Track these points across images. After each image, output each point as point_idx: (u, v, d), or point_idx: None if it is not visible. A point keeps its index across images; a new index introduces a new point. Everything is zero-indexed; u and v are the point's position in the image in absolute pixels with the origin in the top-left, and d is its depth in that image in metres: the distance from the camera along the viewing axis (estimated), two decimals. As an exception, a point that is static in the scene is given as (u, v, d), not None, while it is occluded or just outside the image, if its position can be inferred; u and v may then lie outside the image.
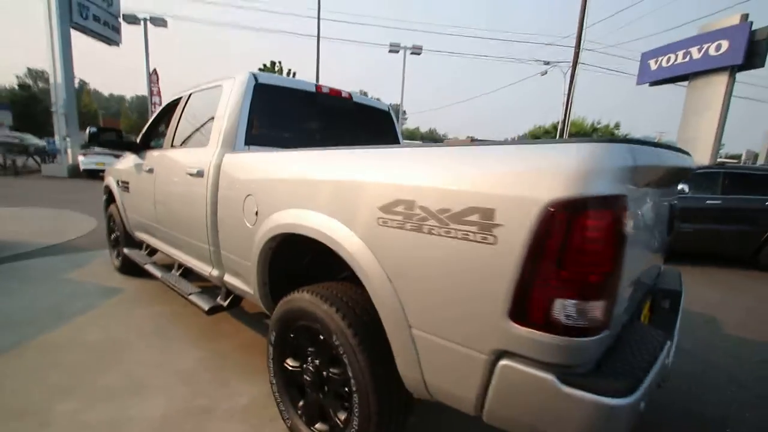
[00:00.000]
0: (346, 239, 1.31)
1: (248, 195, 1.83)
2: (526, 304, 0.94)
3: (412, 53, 20.00)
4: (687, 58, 14.52)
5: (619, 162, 0.90)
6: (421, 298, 1.14)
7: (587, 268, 0.89)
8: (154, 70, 20.27)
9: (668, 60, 15.35)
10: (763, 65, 12.98)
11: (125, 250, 3.52)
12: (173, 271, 2.86)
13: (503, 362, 0.99)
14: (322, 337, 1.52)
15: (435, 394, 1.21)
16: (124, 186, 3.39)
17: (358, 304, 1.45)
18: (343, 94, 2.75)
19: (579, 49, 19.93)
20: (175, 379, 2.14)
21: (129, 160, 3.40)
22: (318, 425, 1.61)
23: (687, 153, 1.62)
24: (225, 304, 2.29)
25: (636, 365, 1.03)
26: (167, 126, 2.93)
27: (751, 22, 12.72)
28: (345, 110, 2.81)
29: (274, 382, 1.77)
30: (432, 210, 1.08)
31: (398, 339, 1.21)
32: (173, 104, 3.12)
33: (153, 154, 2.98)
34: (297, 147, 2.18)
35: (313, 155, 1.56)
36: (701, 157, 12.87)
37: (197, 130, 2.56)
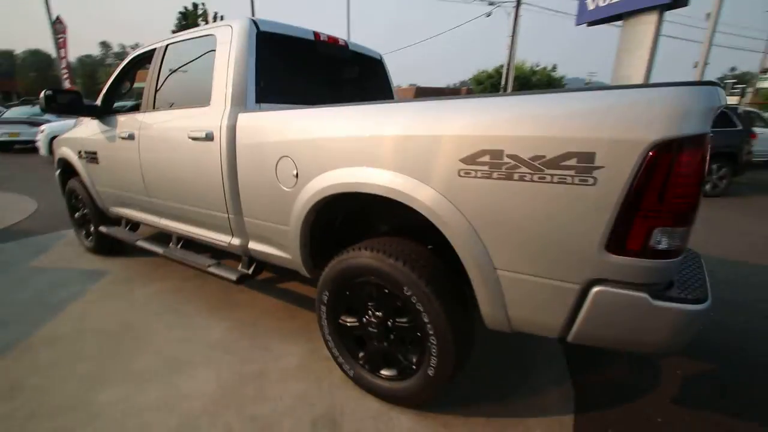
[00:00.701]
0: (421, 193, 1.33)
1: (282, 156, 1.74)
2: (625, 236, 1.05)
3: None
4: (621, -4, 15.14)
5: (708, 103, 0.99)
6: (509, 241, 1.22)
7: (681, 199, 1.01)
8: (58, 17, 17.05)
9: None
10: (687, 4, 13.92)
11: (102, 229, 3.22)
12: (172, 245, 2.70)
13: (597, 288, 1.12)
14: (386, 291, 1.57)
15: (517, 326, 1.33)
16: (91, 157, 3.01)
17: (421, 255, 1.51)
18: (340, 42, 2.59)
19: (520, -12, 19.89)
20: (214, 351, 2.11)
21: (91, 126, 3.00)
22: (384, 371, 1.71)
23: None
24: (250, 272, 2.24)
25: (695, 279, 1.21)
26: (144, 85, 2.60)
27: None
28: (342, 59, 2.66)
29: (329, 338, 1.82)
30: (523, 158, 1.13)
31: (483, 281, 1.30)
32: (141, 59, 2.76)
33: (130, 118, 2.65)
34: (303, 102, 2.07)
35: (372, 111, 1.50)
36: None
37: (189, 87, 2.31)
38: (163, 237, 2.90)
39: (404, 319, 1.57)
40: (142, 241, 2.85)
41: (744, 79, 42.69)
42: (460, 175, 1.25)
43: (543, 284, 1.21)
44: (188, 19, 25.94)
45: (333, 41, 2.53)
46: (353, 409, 1.70)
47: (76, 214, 3.63)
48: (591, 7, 18.33)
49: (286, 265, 2.04)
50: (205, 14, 26.63)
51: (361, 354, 1.77)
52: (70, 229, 4.17)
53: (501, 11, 21.99)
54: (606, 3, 17.55)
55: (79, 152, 3.15)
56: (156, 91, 2.47)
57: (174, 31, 26.98)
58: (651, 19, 14.75)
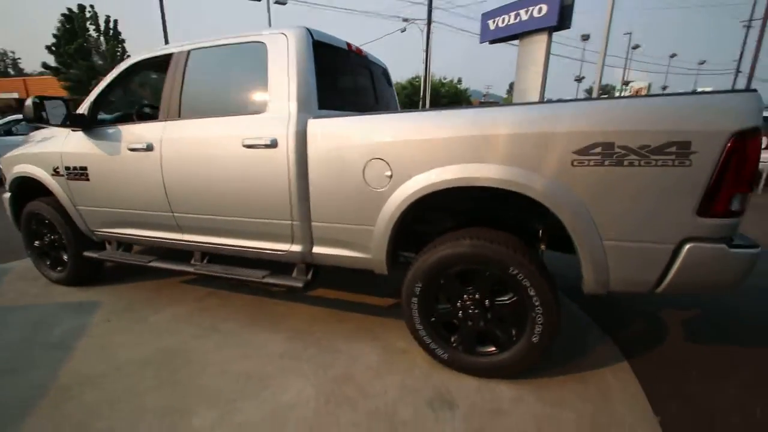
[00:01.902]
0: (536, 182, 1.56)
1: (373, 159, 1.82)
2: (713, 203, 1.40)
3: (275, 2, 18.26)
4: (518, 19, 17.19)
5: (761, 104, 1.39)
6: (617, 215, 1.51)
7: (750, 171, 1.39)
8: None
9: (503, 20, 17.91)
10: (570, 27, 16.46)
11: (91, 254, 2.83)
12: (195, 261, 2.53)
13: (689, 245, 1.46)
14: (487, 274, 1.76)
15: (615, 287, 1.62)
16: (77, 174, 2.65)
17: (513, 240, 1.74)
18: (363, 52, 2.71)
19: (431, 7, 21.54)
20: (286, 361, 2.06)
21: (73, 139, 2.64)
22: (480, 349, 1.89)
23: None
24: (309, 277, 2.23)
25: (742, 235, 1.63)
26: (159, 93, 2.40)
27: None
28: (363, 67, 2.78)
29: (420, 327, 1.94)
30: (633, 147, 1.43)
31: (590, 252, 1.57)
32: (145, 65, 2.55)
33: (143, 128, 2.42)
34: (342, 108, 2.19)
35: (483, 113, 1.67)
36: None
37: (231, 95, 2.23)
38: (168, 256, 2.69)
39: (506, 297, 1.77)
40: (158, 262, 2.60)
41: (606, 90, 51.54)
42: (573, 165, 1.51)
43: (643, 248, 1.51)
44: (74, 23, 22.78)
45: (359, 51, 2.64)
46: (457, 386, 1.84)
47: (37, 242, 3.11)
48: (492, 27, 20.56)
49: (357, 265, 2.10)
50: (95, 18, 23.65)
51: (454, 338, 1.92)
52: (15, 261, 3.56)
53: (414, 27, 23.51)
54: (504, 24, 19.82)
55: (55, 169, 2.74)
56: (180, 98, 2.32)
57: (56, 36, 23.34)
58: (542, 38, 16.99)
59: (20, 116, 7.96)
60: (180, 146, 2.28)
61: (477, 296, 1.82)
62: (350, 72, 2.59)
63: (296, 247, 2.16)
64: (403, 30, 23.21)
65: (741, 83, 30.09)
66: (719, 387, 1.85)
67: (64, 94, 24.40)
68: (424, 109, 1.78)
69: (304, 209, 2.05)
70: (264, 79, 2.09)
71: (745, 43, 27.72)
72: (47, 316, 2.62)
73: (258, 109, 2.09)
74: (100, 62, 24.26)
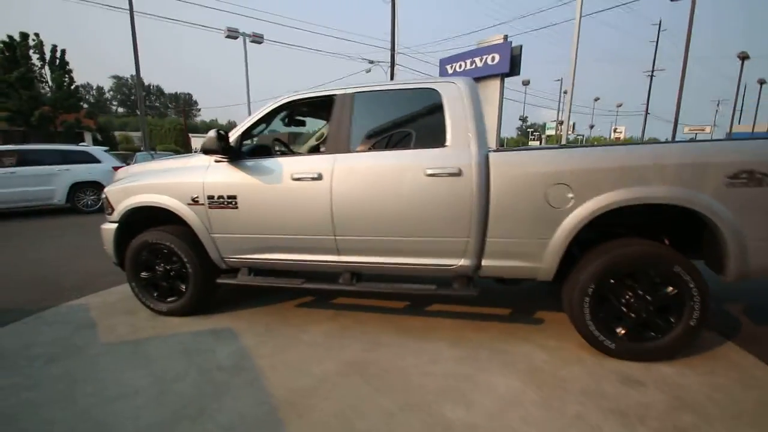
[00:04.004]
0: (699, 198, 2.09)
1: (556, 184, 2.26)
2: None
3: (252, 41, 18.62)
4: (473, 66, 19.10)
5: None
6: (758, 220, 2.08)
7: None
8: None
9: (461, 66, 19.78)
10: (519, 73, 18.67)
11: (225, 280, 2.90)
12: (343, 280, 2.74)
13: None
14: (651, 272, 2.23)
15: (753, 274, 2.16)
16: (223, 202, 2.76)
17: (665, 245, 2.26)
18: None
19: (394, 52, 23.21)
20: (472, 362, 2.32)
21: (220, 169, 2.79)
22: (642, 336, 2.31)
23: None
24: (473, 289, 2.55)
25: None
26: (326, 130, 2.67)
27: (511, 42, 17.81)
28: None
29: (590, 323, 2.33)
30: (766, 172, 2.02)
31: (738, 248, 2.11)
32: (297, 105, 2.85)
33: (308, 160, 2.69)
34: None
35: (655, 148, 2.22)
36: (491, 141, 17.69)
37: (405, 131, 2.58)
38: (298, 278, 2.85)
39: (667, 290, 2.24)
40: (310, 283, 2.75)
41: (536, 129, 58.26)
42: (726, 186, 2.07)
43: (776, 244, 2.09)
44: (16, 52, 21.18)
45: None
46: (629, 369, 2.23)
47: (144, 273, 3.07)
48: (450, 71, 22.43)
49: (522, 274, 2.47)
50: (40, 46, 22.21)
51: (618, 329, 2.33)
52: (82, 298, 3.44)
53: (378, 69, 25.02)
54: (462, 69, 21.71)
55: (194, 198, 2.83)
56: (350, 134, 2.62)
57: (-6, 62, 21.30)
58: (496, 83, 18.86)
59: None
60: (353, 176, 2.56)
61: (640, 292, 2.28)
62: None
63: (466, 261, 2.49)
64: (368, 71, 24.55)
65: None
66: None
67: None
68: (599, 144, 2.42)
69: (481, 227, 2.40)
70: (440, 118, 2.48)
71: (650, 88, 33.52)
72: (193, 344, 2.61)
73: (437, 144, 2.46)
74: (45, 91, 22.62)
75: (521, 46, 16.22)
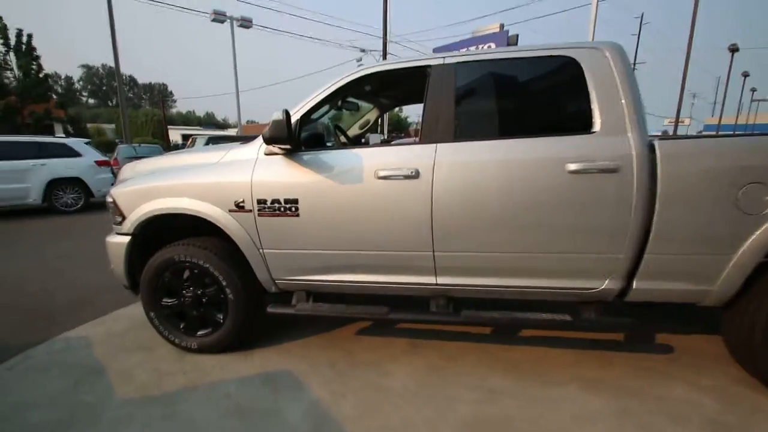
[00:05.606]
0: None
1: (749, 183, 1.69)
2: None
3: (240, 26, 17.38)
4: (470, 55, 18.76)
5: None
6: None
7: None
8: None
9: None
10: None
11: (278, 309, 2.23)
12: (437, 308, 2.14)
13: None
14: None
15: None
16: (280, 208, 2.08)
17: None
18: None
19: (386, 40, 22.46)
20: (630, 416, 1.76)
21: (273, 165, 2.11)
22: None
23: None
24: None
25: None
26: (424, 113, 2.01)
27: (507, 30, 17.34)
28: None
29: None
30: None
31: None
32: (376, 79, 2.17)
33: (400, 151, 2.03)
34: None
35: None
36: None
37: (529, 113, 1.96)
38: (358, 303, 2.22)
39: None
40: (398, 313, 2.12)
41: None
42: None
43: None
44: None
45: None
46: None
47: (167, 300, 2.37)
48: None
49: (685, 299, 1.91)
50: (3, 30, 20.40)
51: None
52: (70, 331, 2.73)
53: (370, 57, 24.22)
54: (459, 60, 21.34)
55: (238, 204, 2.14)
56: (455, 117, 1.98)
57: (-49, 47, 19.70)
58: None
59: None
60: (462, 172, 1.92)
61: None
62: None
63: (612, 284, 1.91)
64: (359, 60, 23.65)
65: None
66: None
67: (-41, 114, 20.37)
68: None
69: (640, 240, 1.82)
70: (581, 96, 1.87)
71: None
72: (246, 399, 1.96)
73: (575, 129, 1.86)
74: (10, 80, 20.90)
75: (517, 35, 15.78)
